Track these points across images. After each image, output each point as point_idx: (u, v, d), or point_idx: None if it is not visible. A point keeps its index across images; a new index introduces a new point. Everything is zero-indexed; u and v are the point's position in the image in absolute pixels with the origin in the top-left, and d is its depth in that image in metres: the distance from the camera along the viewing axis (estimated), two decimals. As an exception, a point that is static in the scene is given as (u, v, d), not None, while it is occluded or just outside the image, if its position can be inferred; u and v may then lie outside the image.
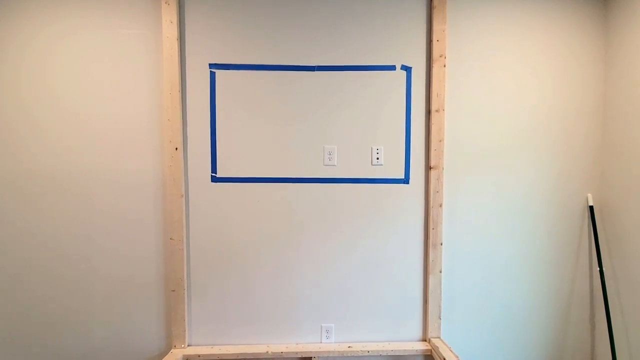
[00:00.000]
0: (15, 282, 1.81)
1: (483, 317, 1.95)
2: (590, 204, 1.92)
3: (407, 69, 1.87)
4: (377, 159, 1.88)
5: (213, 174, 1.84)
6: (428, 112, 1.88)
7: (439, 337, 1.90)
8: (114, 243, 1.83)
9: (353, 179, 1.88)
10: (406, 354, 1.85)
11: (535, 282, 1.95)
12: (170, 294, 1.83)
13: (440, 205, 1.88)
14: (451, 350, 1.73)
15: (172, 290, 1.82)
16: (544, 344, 1.97)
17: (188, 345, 1.87)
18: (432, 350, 1.82)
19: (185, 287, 1.83)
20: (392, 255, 1.90)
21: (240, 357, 1.81)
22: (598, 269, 1.88)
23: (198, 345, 1.87)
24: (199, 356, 1.79)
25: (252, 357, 1.82)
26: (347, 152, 1.87)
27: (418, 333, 1.93)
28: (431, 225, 1.88)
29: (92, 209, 1.81)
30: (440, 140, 1.86)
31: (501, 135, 1.91)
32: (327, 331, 1.90)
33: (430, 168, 1.87)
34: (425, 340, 1.92)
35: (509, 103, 1.91)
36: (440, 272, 1.89)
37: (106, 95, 1.79)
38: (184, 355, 1.78)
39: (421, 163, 1.90)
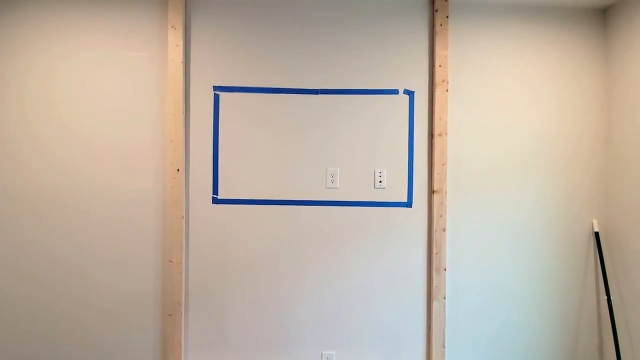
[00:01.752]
0: (11, 297, 1.76)
1: (489, 345, 1.90)
2: (596, 230, 1.89)
3: (409, 93, 1.88)
4: (380, 182, 1.87)
5: (214, 196, 1.83)
6: (431, 136, 1.88)
7: (443, 367, 1.84)
8: (112, 264, 1.79)
9: (355, 202, 1.86)
10: (409, 384, 1.79)
11: (542, 309, 1.91)
12: (167, 319, 1.79)
13: (444, 230, 1.85)
14: (456, 382, 1.67)
15: (169, 315, 1.77)
16: (551, 375, 1.90)
17: (184, 373, 1.81)
18: (437, 381, 1.76)
19: (183, 312, 1.79)
20: (394, 281, 1.87)
21: (237, 386, 1.75)
22: (606, 297, 1.83)
23: (194, 372, 1.81)
24: (195, 385, 1.73)
25: (249, 386, 1.76)
26: (350, 174, 1.86)
27: (421, 362, 1.87)
28: (434, 250, 1.85)
29: (90, 228, 1.79)
30: (444, 164, 1.86)
31: (504, 159, 1.91)
32: (327, 359, 1.84)
33: (434, 192, 1.86)
34: (429, 370, 1.86)
35: (511, 127, 1.91)
36: (444, 298, 1.85)
37: (110, 115, 1.80)
38: (179, 384, 1.72)
39: (424, 186, 1.88)
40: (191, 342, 1.81)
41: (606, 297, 1.83)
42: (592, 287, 1.92)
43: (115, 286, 1.79)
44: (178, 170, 1.78)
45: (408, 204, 1.88)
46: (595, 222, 1.91)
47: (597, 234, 1.89)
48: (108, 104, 1.80)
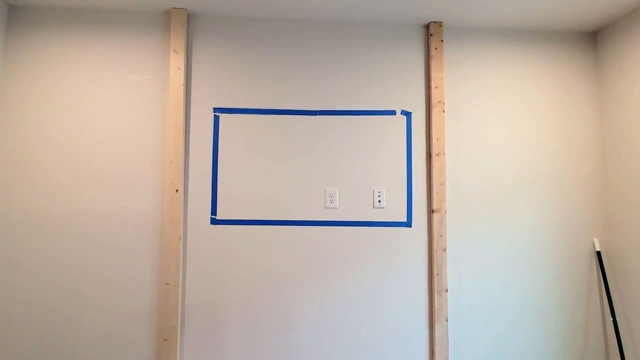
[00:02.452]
0: (6, 316, 1.71)
1: (493, 370, 1.84)
2: (598, 249, 1.88)
3: (407, 114, 1.91)
4: (379, 201, 1.86)
5: (213, 216, 1.82)
6: (429, 156, 1.90)
7: (448, 393, 1.78)
8: (107, 287, 1.75)
9: (355, 222, 1.85)
10: (413, 412, 1.72)
11: (547, 330, 1.86)
12: (162, 344, 1.73)
13: (444, 250, 1.83)
14: (461, 410, 1.61)
15: (165, 340, 1.72)
16: (560, 401, 1.84)
17: (178, 401, 1.73)
18: (441, 409, 1.69)
19: (178, 337, 1.74)
20: (395, 302, 1.83)
21: (233, 416, 1.68)
22: (612, 318, 1.80)
23: (189, 401, 1.74)
24: (190, 415, 1.66)
25: (246, 416, 1.69)
26: (349, 194, 1.86)
27: (425, 388, 1.81)
28: (435, 271, 1.82)
29: (86, 247, 1.75)
30: (442, 184, 1.86)
31: (503, 178, 1.91)
32: (327, 386, 1.78)
33: (433, 211, 1.85)
34: (433, 397, 1.79)
35: (509, 147, 1.93)
36: (447, 320, 1.81)
37: (110, 136, 1.81)
38: (173, 414, 1.65)
39: (423, 206, 1.88)
40: (186, 369, 1.75)
41: (612, 319, 1.79)
42: (596, 308, 1.88)
43: (110, 309, 1.75)
44: (177, 190, 1.77)
45: (407, 224, 1.87)
46: (596, 241, 1.89)
47: (599, 253, 1.87)
48: (109, 126, 1.81)
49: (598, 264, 1.88)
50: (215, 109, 1.85)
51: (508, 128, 1.94)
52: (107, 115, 1.82)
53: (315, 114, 1.88)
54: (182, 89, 1.80)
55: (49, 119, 1.79)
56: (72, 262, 1.75)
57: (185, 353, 1.76)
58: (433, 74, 1.90)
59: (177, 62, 1.80)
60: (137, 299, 1.76)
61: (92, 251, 1.76)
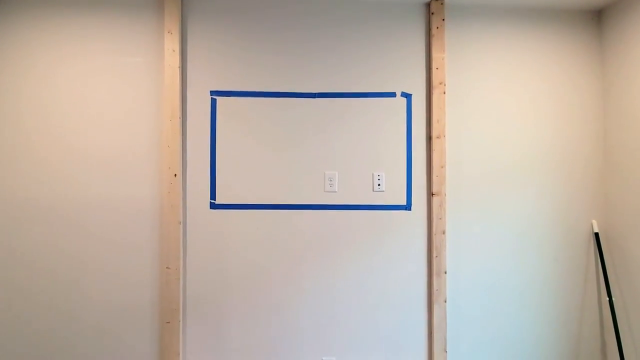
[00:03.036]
0: (5, 306, 1.73)
1: (490, 349, 1.88)
2: (596, 230, 1.89)
3: (407, 96, 1.88)
4: (379, 185, 1.86)
5: (212, 201, 1.81)
6: (429, 138, 1.88)
7: (445, 371, 1.82)
8: (109, 271, 1.77)
9: (354, 205, 1.85)
10: (411, 390, 1.76)
11: (544, 311, 1.89)
12: (164, 326, 1.76)
13: (444, 232, 1.84)
14: (459, 387, 1.65)
15: (167, 322, 1.75)
16: (554, 378, 1.88)
17: (182, 381, 1.78)
18: (439, 386, 1.74)
19: (181, 319, 1.76)
20: (394, 284, 1.85)
21: (236, 394, 1.72)
22: (608, 299, 1.82)
23: (192, 380, 1.78)
24: (193, 393, 1.70)
25: (249, 394, 1.73)
26: (348, 178, 1.85)
27: (423, 367, 1.85)
28: (434, 253, 1.84)
29: (86, 233, 1.76)
30: (442, 167, 1.85)
31: (503, 160, 1.90)
32: (328, 365, 1.82)
33: (433, 194, 1.85)
34: (431, 375, 1.84)
35: (509, 129, 1.91)
36: (445, 301, 1.83)
37: (106, 121, 1.78)
38: (177, 393, 1.69)
39: (423, 189, 1.87)
40: (189, 350, 1.79)
41: (608, 299, 1.82)
42: (593, 288, 1.91)
43: (112, 293, 1.77)
44: (175, 175, 1.76)
45: (407, 207, 1.86)
46: (595, 223, 1.90)
47: (597, 234, 1.88)
48: (104, 110, 1.78)
49: (596, 245, 1.89)
50: (212, 92, 1.82)
51: (509, 110, 1.91)
52: (101, 99, 1.78)
53: (314, 97, 1.85)
54: (177, 72, 1.77)
55: (43, 104, 1.76)
56: (72, 247, 1.76)
57: (188, 335, 1.79)
58: (434, 54, 1.86)
59: (171, 44, 1.76)
60: (139, 282, 1.77)
61: (91, 235, 1.77)
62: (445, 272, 1.84)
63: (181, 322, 1.76)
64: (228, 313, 1.80)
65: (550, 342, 1.89)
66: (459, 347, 1.87)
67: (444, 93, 1.86)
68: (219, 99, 1.82)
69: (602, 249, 1.87)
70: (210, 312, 1.80)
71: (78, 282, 1.76)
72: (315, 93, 1.85)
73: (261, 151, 1.83)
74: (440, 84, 1.86)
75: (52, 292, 1.75)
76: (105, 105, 1.78)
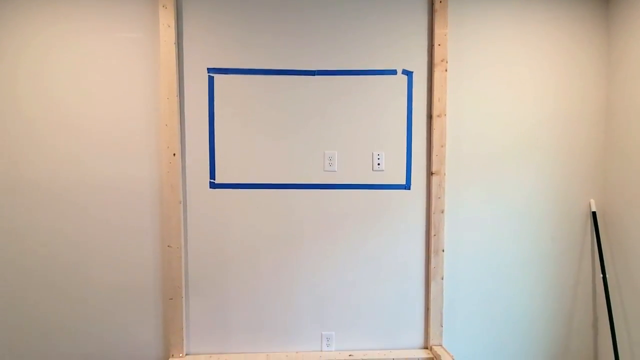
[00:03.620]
0: (9, 289, 1.77)
1: (486, 323, 1.93)
2: (593, 209, 1.90)
3: (408, 74, 1.85)
4: (378, 164, 1.85)
5: (211, 180, 1.81)
6: (429, 117, 1.86)
7: (441, 345, 1.88)
8: (111, 250, 1.79)
9: (354, 184, 1.85)
10: (408, 362, 1.83)
11: (538, 288, 1.93)
12: (167, 302, 1.80)
13: (442, 211, 1.85)
14: (453, 358, 1.71)
15: (170, 299, 1.78)
16: (547, 351, 1.95)
17: (186, 354, 1.83)
18: (434, 358, 1.80)
19: (183, 296, 1.80)
20: (393, 262, 1.88)
21: (239, 367, 1.78)
22: (601, 275, 1.86)
23: (196, 354, 1.84)
24: (198, 366, 1.76)
25: (251, 366, 1.79)
26: (348, 157, 1.85)
27: (420, 341, 1.91)
28: (433, 232, 1.86)
29: (87, 215, 1.78)
30: (442, 146, 1.84)
31: (503, 140, 1.89)
32: (327, 339, 1.88)
33: (432, 174, 1.85)
34: (427, 348, 1.90)
35: (510, 107, 1.89)
36: (442, 279, 1.87)
37: (102, 99, 1.76)
38: (182, 365, 1.75)
39: (423, 169, 1.87)
40: (192, 325, 1.84)
41: (602, 275, 1.85)
42: (588, 266, 1.94)
43: (115, 272, 1.80)
44: (174, 155, 1.75)
45: (406, 187, 1.87)
46: (592, 202, 1.91)
47: (594, 213, 1.90)
48: (99, 88, 1.75)
49: (593, 223, 1.91)
50: (210, 69, 1.78)
51: (510, 89, 1.88)
52: (96, 77, 1.75)
53: (314, 74, 1.82)
54: (173, 48, 1.72)
55: (39, 84, 1.73)
56: (73, 228, 1.77)
57: (191, 310, 1.83)
58: (436, 31, 1.81)
59: (166, 19, 1.71)
60: (141, 261, 1.80)
61: (92, 216, 1.78)
62: (443, 250, 1.87)
63: (184, 299, 1.80)
64: (229, 289, 1.84)
65: (544, 317, 1.94)
66: (455, 322, 1.92)
67: (446, 70, 1.82)
68: (216, 77, 1.79)
69: (599, 228, 1.89)
70: (212, 288, 1.83)
71: (80, 262, 1.79)
72: (315, 71, 1.82)
73: (260, 130, 1.81)
74: (442, 61, 1.82)
75: (55, 273, 1.78)
76: (101, 84, 1.75)
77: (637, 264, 1.75)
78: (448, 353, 1.78)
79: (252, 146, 1.81)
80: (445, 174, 1.85)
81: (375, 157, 1.85)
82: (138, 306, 1.81)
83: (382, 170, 1.86)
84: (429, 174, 1.87)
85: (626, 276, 1.81)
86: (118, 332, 1.81)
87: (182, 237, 1.78)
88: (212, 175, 1.81)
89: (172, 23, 1.71)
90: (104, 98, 1.76)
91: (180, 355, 1.80)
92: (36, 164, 1.75)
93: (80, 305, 1.80)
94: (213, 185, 1.81)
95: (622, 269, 1.83)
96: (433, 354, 1.82)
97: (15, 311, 1.78)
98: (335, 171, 1.84)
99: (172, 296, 1.79)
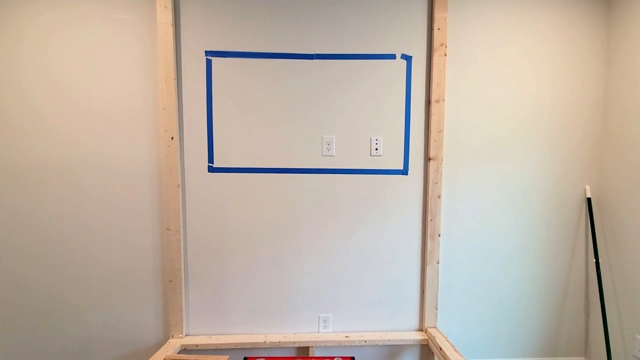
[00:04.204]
0: (9, 271, 1.79)
1: (480, 307, 1.97)
2: (588, 195, 1.92)
3: (407, 58, 1.84)
4: (376, 149, 1.86)
5: (210, 164, 1.82)
6: (428, 103, 1.86)
7: (436, 327, 1.92)
8: (110, 233, 1.81)
9: (351, 169, 1.86)
10: (403, 343, 1.86)
11: (532, 272, 1.97)
12: (167, 285, 1.83)
13: (439, 197, 1.87)
14: (447, 340, 1.75)
15: (169, 281, 1.81)
16: (539, 333, 1.99)
17: (186, 335, 1.87)
18: (429, 340, 1.84)
19: (183, 278, 1.82)
20: (390, 246, 1.90)
21: (238, 347, 1.82)
22: (594, 260, 1.89)
23: (196, 335, 1.88)
24: (197, 346, 1.79)
25: (250, 347, 1.83)
26: (346, 142, 1.85)
27: (415, 323, 1.95)
28: (429, 217, 1.87)
29: (87, 197, 1.79)
30: (440, 131, 1.84)
31: (501, 126, 1.90)
32: (324, 321, 1.91)
33: (430, 159, 1.86)
34: (422, 330, 1.94)
35: (509, 94, 1.89)
36: (438, 263, 1.90)
37: (100, 81, 1.75)
38: (181, 345, 1.79)
39: (420, 154, 1.88)
40: (192, 307, 1.87)
41: (595, 260, 1.88)
42: (581, 250, 1.97)
43: (115, 254, 1.82)
44: (172, 138, 1.75)
45: (404, 172, 1.88)
46: (588, 188, 1.93)
47: (589, 199, 1.92)
48: (97, 69, 1.74)
49: (588, 209, 1.93)
50: (207, 52, 1.77)
51: (510, 75, 1.88)
52: (94, 58, 1.74)
53: (313, 58, 1.81)
54: (170, 30, 1.71)
55: (39, 62, 1.72)
56: (73, 209, 1.78)
57: (190, 292, 1.86)
58: (436, 15, 1.80)
59: (164, 0, 1.69)
60: (141, 243, 1.82)
61: (91, 197, 1.79)
62: (439, 235, 1.89)
63: (183, 281, 1.83)
64: (228, 272, 1.86)
65: (538, 300, 1.98)
66: (449, 306, 1.96)
67: (445, 55, 1.82)
68: (214, 60, 1.78)
69: (593, 214, 1.92)
70: (211, 271, 1.86)
71: (80, 243, 1.80)
72: (314, 54, 1.81)
73: (258, 114, 1.81)
74: (442, 45, 1.81)
75: (54, 254, 1.79)
76: (98, 65, 1.74)
77: (629, 249, 1.77)
78: (442, 334, 1.82)
79: (250, 130, 1.82)
80: (442, 160, 1.86)
81: (374, 142, 1.86)
82: (138, 288, 1.84)
83: (380, 156, 1.87)
84: (427, 159, 1.88)
85: (618, 261, 1.84)
86: (118, 313, 1.84)
87: (181, 220, 1.80)
88: (211, 159, 1.82)
89: (169, 4, 1.70)
90: (102, 79, 1.75)
91: (180, 335, 1.84)
92: (34, 144, 1.75)
93: (79, 287, 1.82)
94: (211, 169, 1.82)
95: (615, 254, 1.86)
96: (428, 336, 1.86)
97: (14, 292, 1.80)
98: (333, 156, 1.85)
99: (171, 278, 1.81)
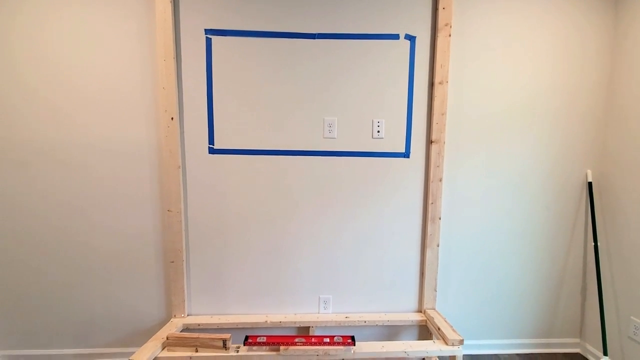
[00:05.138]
0: (8, 256, 1.80)
1: (477, 289, 1.99)
2: (590, 180, 1.92)
3: (411, 39, 1.80)
4: (378, 132, 1.85)
5: (210, 146, 1.80)
6: (431, 85, 1.84)
7: (434, 309, 1.94)
8: (111, 214, 1.81)
9: (353, 152, 1.85)
10: (401, 324, 1.89)
11: (531, 256, 1.98)
12: (169, 265, 1.84)
13: (440, 180, 1.87)
14: (446, 321, 1.78)
15: (171, 262, 1.82)
16: (536, 315, 2.03)
17: (187, 315, 1.89)
18: (427, 321, 1.87)
19: (184, 259, 1.84)
20: (390, 229, 1.91)
21: (239, 327, 1.85)
22: (593, 244, 1.91)
23: (197, 314, 1.90)
24: (199, 325, 1.82)
25: (250, 327, 1.86)
26: (348, 124, 1.83)
27: (413, 305, 1.97)
28: (430, 200, 1.88)
29: (86, 179, 1.78)
30: (443, 114, 1.83)
31: (504, 109, 1.88)
32: (324, 302, 1.94)
33: (432, 142, 1.84)
34: (421, 312, 1.97)
35: (512, 77, 1.86)
36: (438, 246, 1.91)
37: (97, 61, 1.71)
38: (183, 324, 1.81)
39: (422, 137, 1.87)
40: (194, 287, 1.88)
41: (593, 244, 1.90)
42: (580, 234, 1.98)
43: (116, 236, 1.82)
44: (172, 118, 1.73)
45: (406, 155, 1.87)
46: (589, 172, 1.93)
47: (590, 184, 1.92)
48: (95, 47, 1.70)
49: (588, 194, 1.93)
50: (207, 31, 1.73)
51: (512, 57, 1.85)
52: (92, 36, 1.70)
53: (314, 37, 1.77)
54: (169, 7, 1.67)
55: (34, 42, 1.68)
56: (73, 192, 1.78)
57: (192, 273, 1.88)
58: (441, -7, 1.75)
59: (161, -25, 1.64)
60: (142, 225, 1.82)
61: (92, 179, 1.78)
62: (440, 218, 1.90)
63: (184, 262, 1.84)
64: (229, 253, 1.87)
65: (535, 283, 2.00)
66: (448, 287, 1.98)
67: (450, 36, 1.78)
68: (214, 39, 1.74)
69: (594, 198, 1.92)
70: (212, 252, 1.87)
71: (80, 226, 1.80)
72: (315, 34, 1.77)
73: (259, 95, 1.79)
74: (446, 25, 1.77)
75: (55, 236, 1.80)
76: (96, 43, 1.70)
77: (627, 234, 1.79)
78: (440, 315, 1.85)
79: (251, 111, 1.79)
80: (444, 143, 1.85)
81: (375, 124, 1.84)
82: (140, 270, 1.85)
83: (382, 138, 1.85)
84: (429, 142, 1.87)
85: (616, 245, 1.85)
86: (121, 294, 1.86)
87: (181, 202, 1.80)
88: (211, 140, 1.80)
89: (168, -20, 1.65)
90: (99, 59, 1.71)
91: (182, 315, 1.86)
92: (31, 126, 1.73)
93: (81, 269, 1.83)
94: (212, 151, 1.81)
95: (613, 239, 1.87)
96: (426, 317, 1.89)
97: (16, 275, 1.81)
98: (334, 138, 1.84)
99: (173, 259, 1.82)
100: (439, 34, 1.78)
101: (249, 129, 1.80)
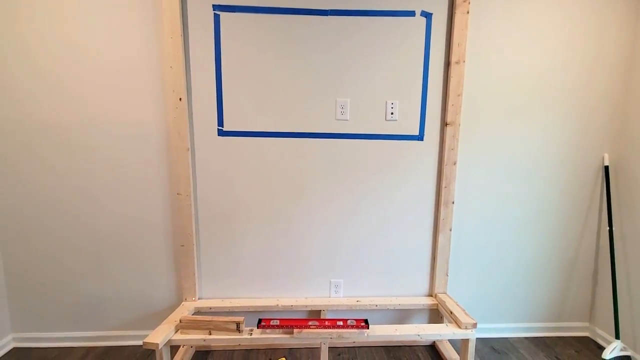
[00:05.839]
0: (19, 239, 1.78)
1: (489, 274, 1.98)
2: (606, 164, 1.88)
3: (427, 16, 1.73)
4: (392, 114, 1.79)
5: (219, 127, 1.76)
6: (447, 64, 1.77)
7: (445, 293, 1.94)
8: (120, 197, 1.78)
9: (366, 134, 1.80)
10: (413, 307, 1.89)
11: (544, 240, 1.96)
12: (179, 249, 1.82)
13: (455, 163, 1.83)
14: (458, 305, 1.77)
15: (182, 246, 1.80)
16: (546, 299, 2.02)
17: (199, 299, 1.89)
18: (439, 305, 1.86)
19: (194, 242, 1.82)
20: (402, 213, 1.88)
21: (250, 310, 1.84)
22: (608, 228, 1.88)
23: (208, 298, 1.90)
24: (210, 308, 1.82)
25: (262, 310, 1.86)
26: (360, 106, 1.78)
27: (425, 289, 1.97)
28: (444, 184, 1.84)
29: (94, 161, 1.74)
30: (459, 95, 1.77)
31: (520, 90, 1.82)
32: (336, 286, 1.93)
33: (447, 124, 1.80)
34: (432, 296, 1.96)
35: (529, 55, 1.80)
36: (450, 230, 1.89)
37: (104, 38, 1.65)
38: (195, 308, 1.81)
39: (437, 119, 1.82)
40: (204, 271, 1.87)
41: (608, 228, 1.87)
42: (594, 218, 1.96)
43: (126, 220, 1.80)
44: (180, 99, 1.68)
45: (420, 137, 1.83)
46: (606, 156, 1.89)
47: (606, 167, 1.88)
48: (102, 26, 1.64)
49: (605, 177, 1.90)
50: (215, 7, 1.66)
51: (531, 35, 1.78)
52: (97, 14, 1.63)
53: (327, 14, 1.70)
54: (176, -19, 1.59)
55: (41, 20, 1.62)
56: (81, 170, 1.74)
57: (202, 257, 1.86)
58: (460, -33, 1.67)
59: (167, -54, 1.56)
60: (152, 208, 1.80)
61: (100, 164, 1.74)
62: (453, 202, 1.87)
63: (195, 246, 1.82)
64: (239, 237, 1.85)
65: (547, 268, 1.99)
66: (460, 272, 1.97)
67: (468, 12, 1.71)
68: (222, 15, 1.67)
69: (610, 182, 1.89)
70: (222, 236, 1.85)
71: (89, 209, 1.78)
72: (328, 10, 1.70)
73: (269, 74, 1.73)
74: (464, 1, 1.70)
75: (63, 219, 1.77)
76: (102, 20, 1.63)
77: (645, 217, 1.76)
78: (452, 299, 1.85)
79: (261, 92, 1.74)
80: (459, 125, 1.80)
81: (389, 106, 1.79)
82: (150, 254, 1.83)
83: (395, 120, 1.80)
84: (444, 124, 1.82)
85: (631, 228, 1.83)
86: (132, 278, 1.85)
87: (191, 185, 1.76)
88: (220, 122, 1.75)
89: (173, -49, 1.57)
90: (105, 36, 1.65)
91: (193, 299, 1.86)
92: (40, 103, 1.68)
93: (92, 253, 1.82)
94: (221, 133, 1.76)
95: (628, 222, 1.84)
96: (437, 301, 1.88)
97: (25, 260, 1.80)
98: (347, 120, 1.79)
99: (183, 243, 1.80)
100: (456, 10, 1.70)
101: (259, 110, 1.75)
